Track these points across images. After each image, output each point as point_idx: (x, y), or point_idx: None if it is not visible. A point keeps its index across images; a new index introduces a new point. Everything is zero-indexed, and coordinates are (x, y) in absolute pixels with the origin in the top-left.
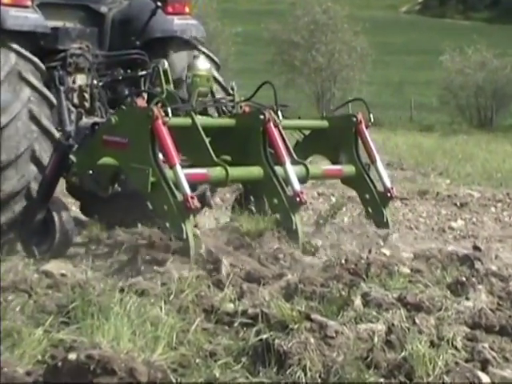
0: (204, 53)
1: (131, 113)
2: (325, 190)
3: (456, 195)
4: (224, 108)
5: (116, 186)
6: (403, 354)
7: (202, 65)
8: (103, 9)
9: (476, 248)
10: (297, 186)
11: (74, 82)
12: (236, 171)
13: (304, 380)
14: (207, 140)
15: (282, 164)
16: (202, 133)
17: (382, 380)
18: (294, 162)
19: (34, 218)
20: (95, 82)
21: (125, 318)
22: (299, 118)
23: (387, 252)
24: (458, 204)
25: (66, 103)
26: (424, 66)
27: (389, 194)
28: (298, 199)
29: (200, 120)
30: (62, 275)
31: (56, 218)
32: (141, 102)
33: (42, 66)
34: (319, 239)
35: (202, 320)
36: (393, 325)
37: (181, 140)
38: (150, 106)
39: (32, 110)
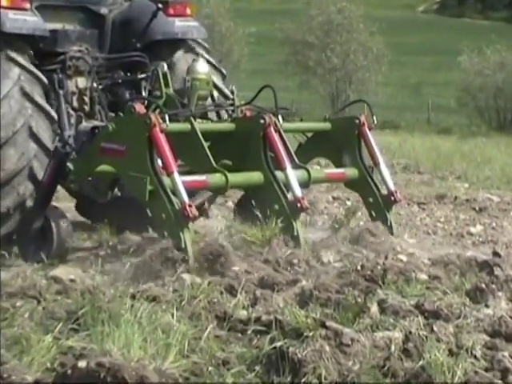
0: (210, 62)
1: (129, 120)
2: (340, 194)
3: (475, 199)
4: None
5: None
6: (421, 362)
7: (202, 68)
8: (103, 10)
9: (495, 254)
10: (298, 191)
11: (73, 85)
12: (236, 177)
13: None
14: (206, 145)
15: (282, 169)
16: (202, 139)
17: None
18: (295, 167)
19: (32, 225)
20: (95, 84)
21: (136, 324)
22: (301, 119)
23: (404, 258)
24: (477, 208)
25: (66, 107)
26: (442, 66)
27: (392, 198)
28: (298, 205)
29: (199, 125)
30: (71, 281)
31: (53, 226)
32: (139, 108)
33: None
34: (333, 245)
35: (215, 327)
36: (410, 333)
37: (180, 146)
38: (147, 113)
39: (24, 87)
